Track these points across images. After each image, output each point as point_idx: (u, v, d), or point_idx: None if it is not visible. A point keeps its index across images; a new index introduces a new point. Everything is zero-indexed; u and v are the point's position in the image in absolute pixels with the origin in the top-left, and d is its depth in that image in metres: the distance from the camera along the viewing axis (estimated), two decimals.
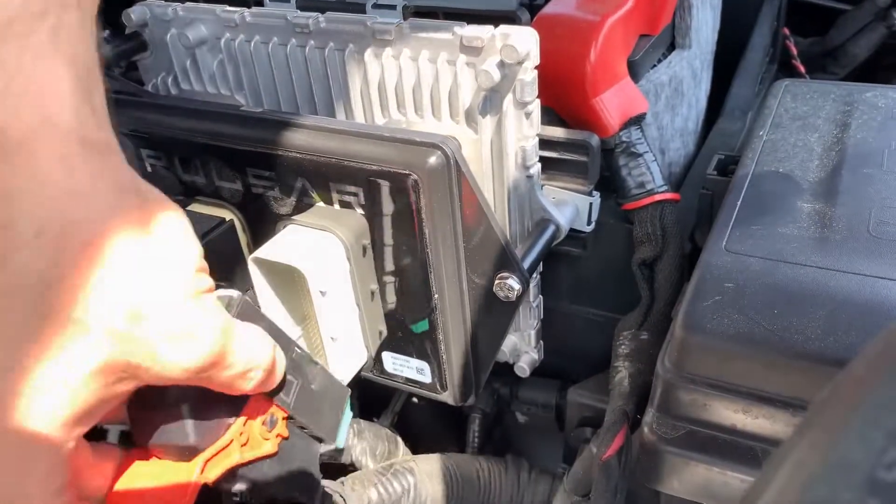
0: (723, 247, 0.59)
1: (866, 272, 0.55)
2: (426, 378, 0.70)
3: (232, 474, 0.47)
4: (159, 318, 0.35)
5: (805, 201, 0.62)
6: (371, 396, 0.74)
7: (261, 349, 0.42)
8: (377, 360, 0.71)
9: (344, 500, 0.69)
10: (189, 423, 0.43)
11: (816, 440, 0.26)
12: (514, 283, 0.60)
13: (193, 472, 0.43)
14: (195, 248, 0.39)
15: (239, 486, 0.48)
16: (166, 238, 0.37)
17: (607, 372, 0.74)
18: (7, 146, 0.31)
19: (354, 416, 0.75)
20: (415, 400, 0.96)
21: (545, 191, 0.69)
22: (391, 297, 0.66)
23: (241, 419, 0.46)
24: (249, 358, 0.41)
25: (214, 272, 0.61)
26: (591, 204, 0.69)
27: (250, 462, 0.48)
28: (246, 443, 0.47)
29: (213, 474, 0.45)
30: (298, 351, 0.53)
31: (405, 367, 0.71)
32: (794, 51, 1.17)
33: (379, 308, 0.67)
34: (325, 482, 0.68)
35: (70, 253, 0.33)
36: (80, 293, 0.33)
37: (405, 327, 0.67)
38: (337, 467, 0.79)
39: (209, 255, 0.66)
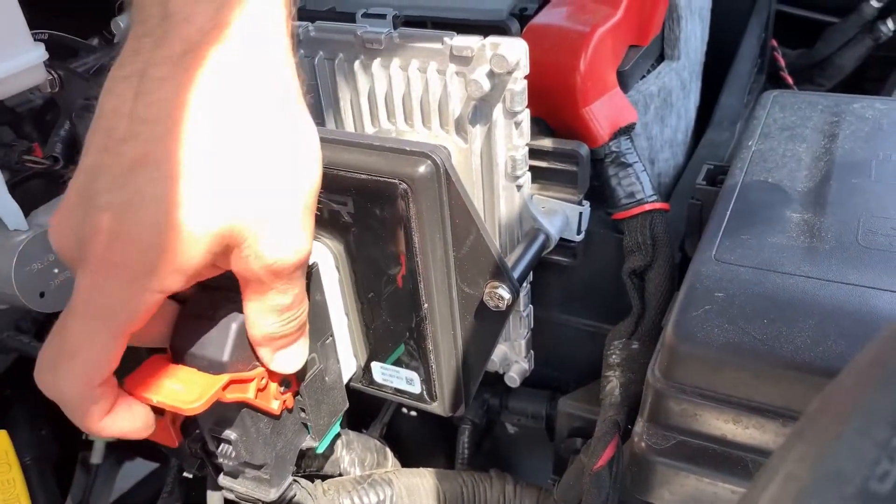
0: (712, 256, 0.59)
1: (855, 282, 0.55)
2: (416, 388, 0.70)
3: (229, 421, 0.53)
4: (283, 208, 0.42)
5: (794, 211, 0.63)
6: (360, 407, 0.73)
7: (288, 325, 0.49)
8: (366, 371, 0.71)
9: (313, 500, 0.68)
10: (230, 342, 0.48)
11: (807, 452, 0.26)
12: (504, 293, 0.60)
13: (216, 385, 0.47)
14: (320, 177, 0.45)
15: (229, 433, 0.54)
16: (312, 155, 0.44)
17: (598, 382, 0.74)
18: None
19: (343, 428, 0.75)
20: (404, 411, 0.95)
21: (535, 200, 0.69)
22: (381, 307, 0.66)
23: (264, 369, 0.51)
24: (304, 299, 0.48)
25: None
26: (580, 213, 0.69)
27: (255, 408, 0.53)
28: (262, 389, 0.52)
29: (229, 396, 0.49)
30: (329, 341, 0.59)
31: (395, 378, 0.70)
32: (782, 62, 1.18)
33: (369, 317, 0.67)
34: (300, 479, 0.68)
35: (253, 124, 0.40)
36: (243, 155, 0.40)
37: (394, 338, 0.67)
38: (325, 478, 0.78)
39: None
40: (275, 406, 0.54)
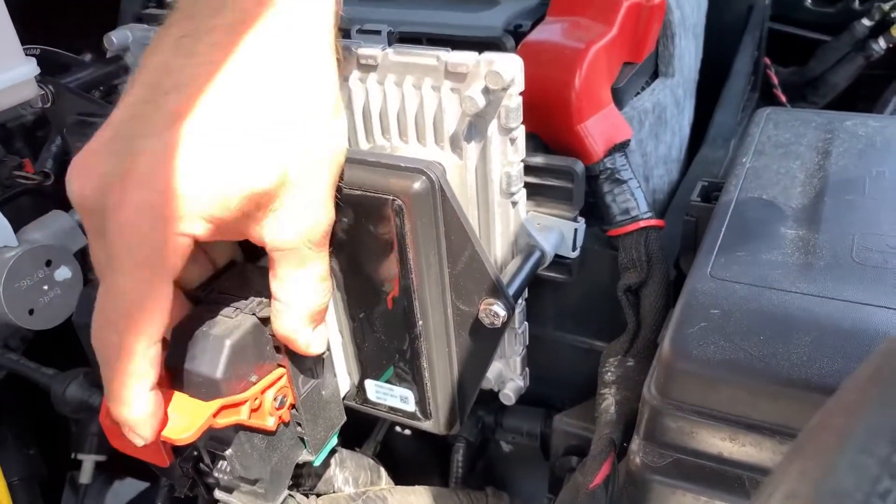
0: (708, 273, 0.59)
1: (851, 298, 0.55)
2: (410, 407, 0.69)
3: (226, 441, 0.53)
4: (319, 175, 0.45)
5: (789, 228, 0.63)
6: (354, 425, 0.73)
7: (326, 295, 0.51)
8: (360, 389, 0.70)
9: None
10: (223, 360, 0.49)
11: (808, 468, 0.26)
12: (499, 310, 0.60)
13: (207, 412, 0.47)
14: (345, 153, 0.49)
15: (229, 452, 0.54)
16: (343, 130, 0.47)
17: (593, 400, 0.73)
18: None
19: (337, 446, 0.74)
20: (398, 429, 0.94)
21: (530, 217, 0.69)
22: (374, 325, 0.65)
23: (261, 385, 0.52)
24: (326, 288, 0.50)
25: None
26: (576, 230, 0.69)
27: (250, 428, 0.52)
28: (256, 409, 0.52)
29: (221, 422, 0.49)
30: (327, 355, 0.59)
31: (389, 396, 0.69)
32: (776, 80, 1.19)
33: (361, 335, 0.66)
34: (296, 494, 0.67)
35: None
36: (284, 120, 0.42)
37: (388, 356, 0.66)
38: (318, 496, 0.77)
39: None
40: (270, 423, 0.54)
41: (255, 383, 0.52)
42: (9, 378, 1.00)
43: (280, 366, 0.57)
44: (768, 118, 0.80)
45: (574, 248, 0.71)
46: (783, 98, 1.19)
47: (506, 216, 0.64)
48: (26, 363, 0.90)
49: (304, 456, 0.61)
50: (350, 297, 0.64)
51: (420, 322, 0.62)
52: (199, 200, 0.39)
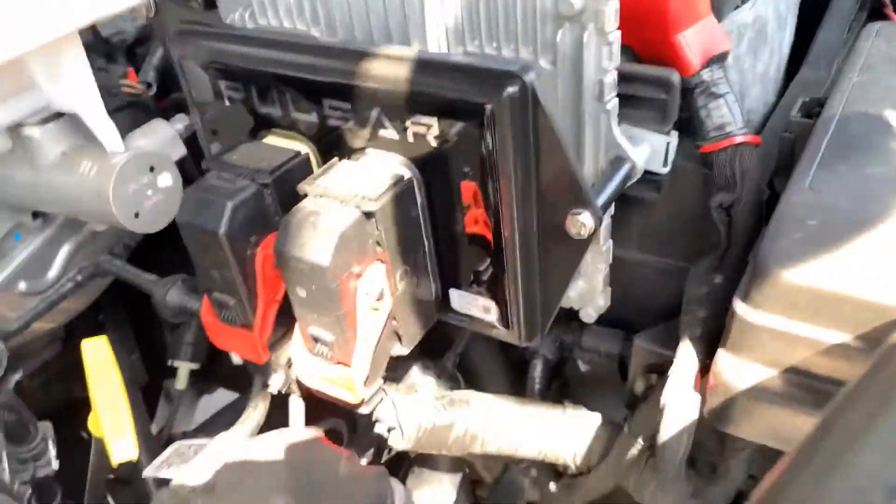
0: (806, 186, 0.57)
1: None
2: (492, 316, 0.70)
3: (327, 322, 0.60)
4: None
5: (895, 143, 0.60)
6: (435, 336, 0.75)
7: None
8: (444, 297, 0.72)
9: (395, 408, 0.70)
10: (332, 248, 0.57)
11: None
12: (586, 220, 0.59)
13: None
14: None
15: (325, 335, 0.61)
16: None
17: (673, 322, 0.73)
18: None
19: (417, 353, 0.77)
20: (477, 344, 0.96)
21: (622, 129, 0.67)
22: (459, 234, 0.66)
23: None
24: None
25: (289, 204, 0.63)
26: (668, 144, 0.67)
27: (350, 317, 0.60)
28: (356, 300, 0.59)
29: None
30: (422, 256, 0.65)
31: (471, 305, 0.71)
32: None
33: (447, 244, 0.67)
34: (387, 388, 0.70)
35: None
36: None
37: (472, 265, 0.68)
38: None
39: (284, 187, 0.67)
40: (368, 314, 0.56)
41: (356, 276, 0.55)
42: (113, 286, 1.06)
43: (379, 261, 0.60)
44: (879, 33, 0.75)
45: (665, 163, 0.70)
46: (894, 17, 1.10)
47: (597, 126, 0.64)
48: (131, 269, 0.95)
49: (398, 349, 0.64)
50: (437, 205, 0.66)
51: (505, 232, 0.63)
52: None
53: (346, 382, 0.65)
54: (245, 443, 0.71)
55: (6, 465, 0.76)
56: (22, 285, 0.90)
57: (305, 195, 0.63)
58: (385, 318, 0.65)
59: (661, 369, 0.75)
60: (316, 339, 0.66)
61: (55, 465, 0.77)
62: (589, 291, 0.78)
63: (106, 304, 1.18)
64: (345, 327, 0.63)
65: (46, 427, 0.87)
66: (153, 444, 1.02)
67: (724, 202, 0.68)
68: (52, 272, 0.93)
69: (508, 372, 0.97)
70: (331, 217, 0.59)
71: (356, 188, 0.62)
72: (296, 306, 0.65)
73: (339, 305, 0.61)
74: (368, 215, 0.60)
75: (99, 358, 0.67)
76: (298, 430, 0.72)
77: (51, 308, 0.93)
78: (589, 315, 0.79)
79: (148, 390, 1.25)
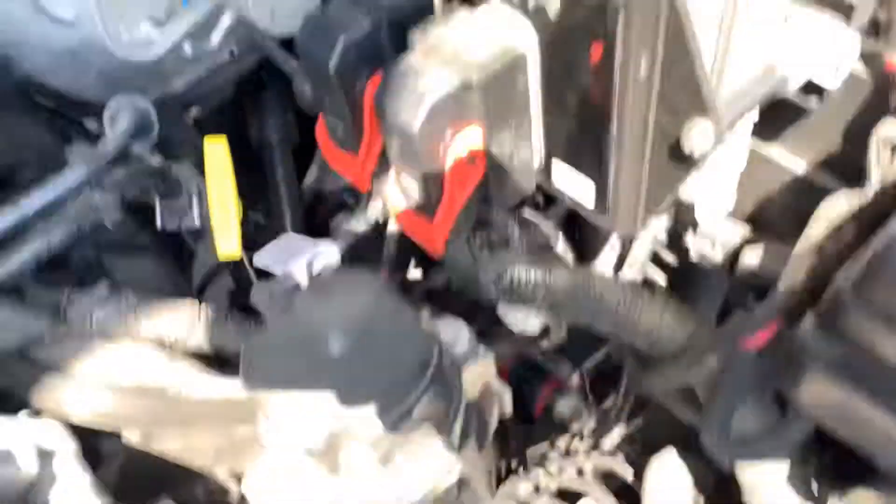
0: None
1: None
2: (589, 197, 0.67)
3: None
4: None
5: None
6: None
7: None
8: (546, 167, 0.68)
9: (475, 259, 0.69)
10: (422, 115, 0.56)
11: None
12: (702, 139, 0.52)
13: None
14: None
15: None
16: None
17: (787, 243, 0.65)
18: None
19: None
20: None
21: (791, 22, 0.55)
22: (570, 112, 0.61)
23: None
24: None
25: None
26: (847, 44, 0.55)
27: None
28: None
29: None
30: (525, 125, 0.63)
31: (571, 181, 0.67)
32: None
33: (558, 115, 0.63)
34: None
35: None
36: None
37: (579, 146, 0.63)
38: None
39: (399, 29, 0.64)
40: (460, 175, 0.59)
41: (449, 140, 0.54)
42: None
43: (476, 125, 0.59)
44: None
45: (836, 73, 0.58)
46: None
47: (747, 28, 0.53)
48: (278, 49, 0.96)
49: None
50: (552, 79, 0.60)
51: (616, 123, 0.57)
52: None
53: (430, 235, 0.67)
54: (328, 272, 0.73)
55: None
56: (187, 48, 0.95)
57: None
58: (476, 180, 0.64)
59: (758, 291, 0.70)
60: (406, 188, 0.67)
61: (198, 222, 0.86)
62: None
63: (270, 64, 1.22)
64: (431, 186, 0.63)
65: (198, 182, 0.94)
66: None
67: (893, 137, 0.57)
68: (215, 38, 0.96)
69: None
70: (428, 81, 0.56)
71: (465, 49, 0.58)
72: (390, 154, 0.65)
73: (426, 166, 0.61)
74: (468, 85, 0.57)
75: (215, 159, 0.71)
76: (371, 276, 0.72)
77: (209, 76, 0.97)
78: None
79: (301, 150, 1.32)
